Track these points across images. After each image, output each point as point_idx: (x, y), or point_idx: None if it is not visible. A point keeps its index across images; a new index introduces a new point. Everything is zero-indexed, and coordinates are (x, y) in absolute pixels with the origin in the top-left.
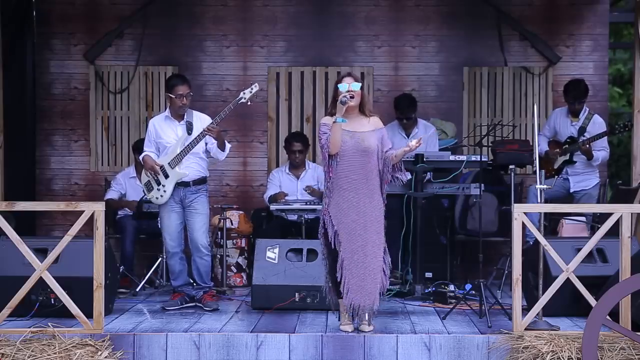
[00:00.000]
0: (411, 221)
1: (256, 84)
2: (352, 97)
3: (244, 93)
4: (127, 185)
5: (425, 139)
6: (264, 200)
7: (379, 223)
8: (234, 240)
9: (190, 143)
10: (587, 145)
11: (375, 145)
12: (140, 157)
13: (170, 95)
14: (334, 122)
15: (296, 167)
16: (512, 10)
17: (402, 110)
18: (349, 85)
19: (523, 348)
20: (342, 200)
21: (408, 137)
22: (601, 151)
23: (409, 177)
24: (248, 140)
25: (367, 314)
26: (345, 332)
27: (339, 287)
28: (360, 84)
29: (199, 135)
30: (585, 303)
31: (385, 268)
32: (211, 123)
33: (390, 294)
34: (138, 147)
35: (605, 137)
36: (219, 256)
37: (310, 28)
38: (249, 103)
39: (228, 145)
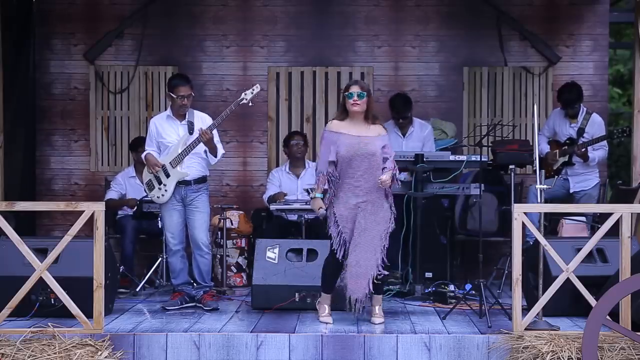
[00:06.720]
0: (411, 221)
1: (257, 85)
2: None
3: (246, 94)
4: (126, 185)
5: (421, 137)
6: (264, 201)
7: (384, 224)
8: (234, 240)
9: (192, 143)
10: (583, 149)
11: (379, 148)
12: (143, 156)
13: (172, 95)
14: (313, 197)
15: (296, 166)
16: (512, 10)
17: (398, 110)
18: (355, 94)
19: (523, 348)
20: (345, 203)
21: (404, 137)
22: (599, 150)
23: (405, 178)
24: (248, 140)
25: (376, 307)
26: (326, 323)
27: (328, 283)
28: (366, 93)
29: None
30: (585, 303)
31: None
32: (211, 124)
33: (390, 294)
34: (135, 145)
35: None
36: (219, 256)
37: (310, 28)
38: (250, 104)
39: (221, 152)
